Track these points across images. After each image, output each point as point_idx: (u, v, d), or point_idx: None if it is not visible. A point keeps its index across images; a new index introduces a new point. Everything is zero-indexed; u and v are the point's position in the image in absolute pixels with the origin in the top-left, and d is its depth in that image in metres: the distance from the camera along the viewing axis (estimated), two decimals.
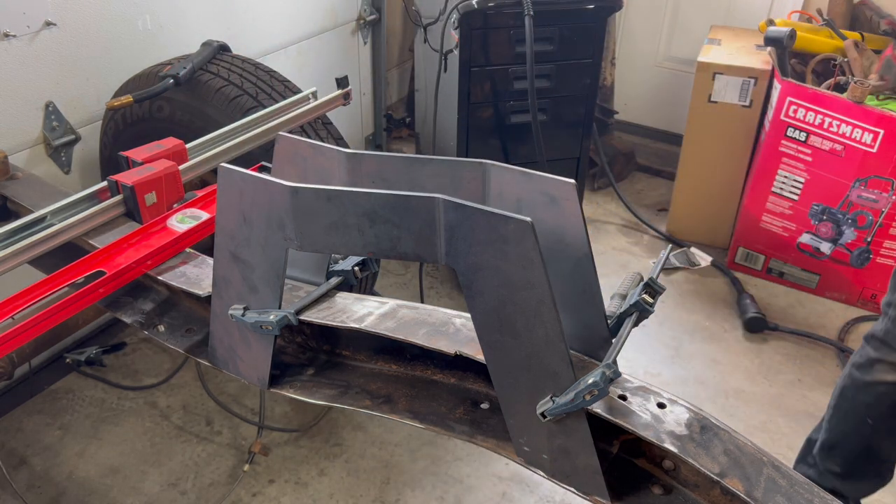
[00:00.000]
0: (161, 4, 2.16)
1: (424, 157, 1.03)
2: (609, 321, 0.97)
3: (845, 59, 2.52)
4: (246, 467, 1.98)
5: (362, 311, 1.05)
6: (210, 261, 1.22)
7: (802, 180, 2.54)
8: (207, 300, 1.10)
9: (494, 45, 2.38)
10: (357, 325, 1.01)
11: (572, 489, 0.91)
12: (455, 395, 1.03)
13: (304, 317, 1.04)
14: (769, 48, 2.65)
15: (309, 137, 1.74)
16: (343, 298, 1.10)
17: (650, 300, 0.95)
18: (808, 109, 2.43)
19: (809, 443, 1.77)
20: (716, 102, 2.71)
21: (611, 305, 1.00)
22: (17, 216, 1.44)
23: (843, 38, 2.62)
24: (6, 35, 1.79)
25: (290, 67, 2.75)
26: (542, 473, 0.92)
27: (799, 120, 2.46)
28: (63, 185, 1.97)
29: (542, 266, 0.76)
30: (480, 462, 2.03)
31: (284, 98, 1.82)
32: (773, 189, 2.63)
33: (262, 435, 2.09)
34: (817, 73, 2.69)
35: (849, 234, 2.53)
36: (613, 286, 1.04)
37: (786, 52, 2.54)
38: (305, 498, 1.94)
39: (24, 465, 2.00)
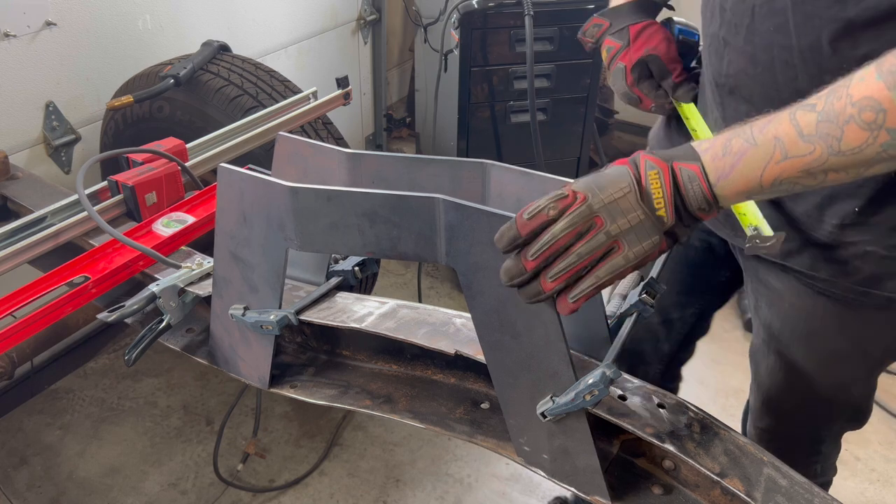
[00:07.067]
0: (161, 4, 2.16)
1: (424, 157, 1.03)
2: (609, 321, 0.97)
3: None
4: (240, 466, 1.98)
5: (362, 311, 1.05)
6: (210, 259, 1.22)
7: None
8: (207, 300, 1.10)
9: (494, 45, 2.38)
10: (357, 325, 1.01)
11: (572, 489, 0.90)
12: (455, 395, 1.03)
13: (305, 317, 1.04)
14: None
15: (309, 137, 1.74)
16: (343, 298, 1.10)
17: (650, 300, 0.95)
18: None
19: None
20: None
21: (611, 305, 1.00)
22: (17, 216, 1.44)
23: None
24: (6, 35, 1.78)
25: (290, 67, 2.74)
26: (542, 473, 0.92)
27: None
28: (63, 185, 1.97)
29: None
30: (480, 462, 2.03)
31: (285, 98, 1.82)
32: None
33: (263, 436, 2.09)
34: None
35: None
36: (613, 286, 1.04)
37: None
38: (305, 498, 1.94)
39: (24, 465, 2.00)
